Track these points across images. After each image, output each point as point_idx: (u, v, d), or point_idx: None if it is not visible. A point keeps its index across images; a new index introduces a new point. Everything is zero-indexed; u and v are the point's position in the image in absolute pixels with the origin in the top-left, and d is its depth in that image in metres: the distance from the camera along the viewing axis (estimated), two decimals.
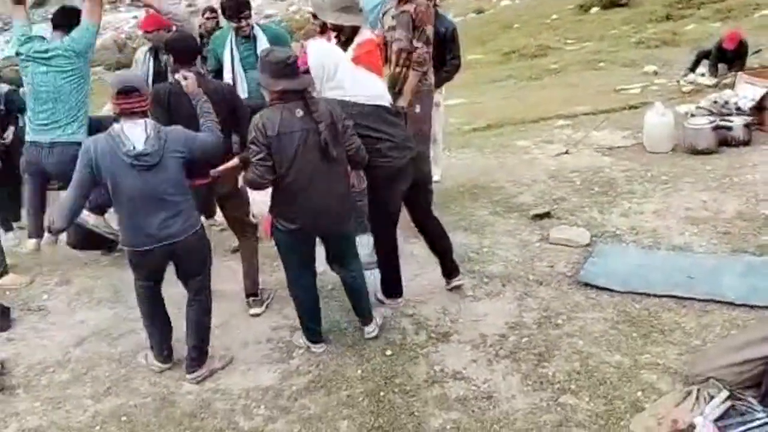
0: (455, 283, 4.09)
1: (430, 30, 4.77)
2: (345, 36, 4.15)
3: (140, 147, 3.14)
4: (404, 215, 3.98)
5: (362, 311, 3.78)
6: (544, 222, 4.95)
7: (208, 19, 6.71)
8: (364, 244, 4.10)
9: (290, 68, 3.25)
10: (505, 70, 12.52)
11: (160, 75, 4.99)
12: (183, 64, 3.77)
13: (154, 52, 5.14)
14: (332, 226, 3.48)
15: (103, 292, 4.50)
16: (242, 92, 4.76)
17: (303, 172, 3.26)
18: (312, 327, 3.67)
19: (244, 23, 4.84)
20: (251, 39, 4.92)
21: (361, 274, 3.76)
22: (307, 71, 3.46)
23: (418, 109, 4.87)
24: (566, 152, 6.52)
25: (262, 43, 4.87)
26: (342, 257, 3.69)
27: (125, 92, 3.16)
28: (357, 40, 4.13)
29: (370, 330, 3.74)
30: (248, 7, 4.88)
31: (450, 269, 4.11)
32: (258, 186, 3.37)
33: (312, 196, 3.30)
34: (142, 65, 5.21)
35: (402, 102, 4.59)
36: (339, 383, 3.36)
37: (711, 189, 5.16)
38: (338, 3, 4.05)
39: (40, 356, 3.86)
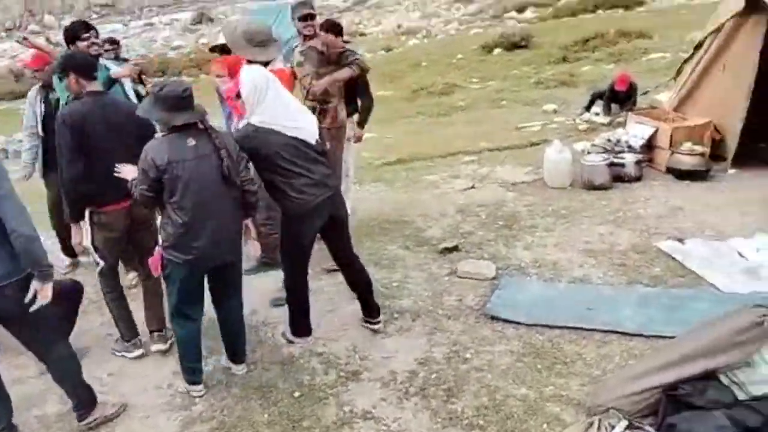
0: (374, 327, 4.05)
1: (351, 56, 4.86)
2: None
3: None
4: (315, 251, 3.93)
5: (238, 351, 3.70)
6: (453, 255, 5.03)
7: (107, 51, 6.52)
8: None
9: (185, 101, 3.20)
10: (414, 107, 12.80)
11: (50, 116, 4.80)
12: (88, 79, 3.66)
13: (45, 91, 5.02)
14: (226, 255, 3.39)
15: None
16: None
17: (198, 200, 3.20)
18: (193, 366, 3.53)
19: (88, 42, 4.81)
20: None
21: (241, 312, 3.69)
22: (238, 94, 3.46)
23: (328, 146, 4.90)
24: (473, 187, 6.69)
25: (111, 67, 5.07)
26: (228, 290, 3.57)
27: None
28: (269, 68, 4.10)
29: (240, 369, 3.69)
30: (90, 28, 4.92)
31: (371, 308, 4.07)
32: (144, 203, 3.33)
33: (207, 225, 3.24)
34: (33, 107, 5.08)
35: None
36: (244, 429, 3.24)
37: (607, 223, 5.42)
38: (254, 38, 4.06)
39: None
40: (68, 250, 5.17)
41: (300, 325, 3.98)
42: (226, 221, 3.33)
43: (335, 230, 3.84)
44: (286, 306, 3.99)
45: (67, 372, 3.25)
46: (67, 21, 45.96)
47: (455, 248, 5.13)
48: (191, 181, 3.17)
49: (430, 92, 14.33)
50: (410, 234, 5.54)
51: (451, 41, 22.01)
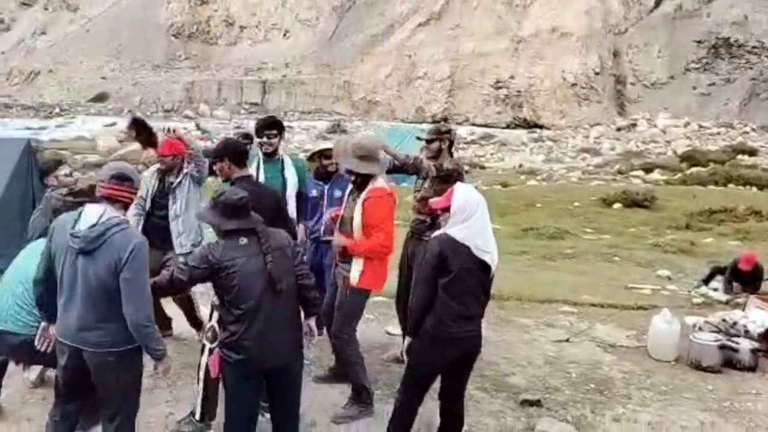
0: None
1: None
2: (359, 180, 4.34)
3: (79, 226, 3.02)
4: None
5: None
6: (533, 410, 4.69)
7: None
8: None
9: (241, 209, 3.32)
10: (520, 246, 12.62)
11: (162, 193, 5.17)
12: (239, 165, 4.04)
13: (162, 174, 5.33)
14: (279, 357, 3.33)
15: None
16: None
17: (249, 297, 3.22)
18: None
19: (266, 140, 5.02)
20: (279, 162, 5.08)
21: (296, 423, 3.56)
22: (447, 208, 3.55)
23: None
24: (567, 340, 6.35)
25: (289, 169, 5.09)
26: (282, 397, 3.47)
27: (120, 178, 3.15)
28: (370, 186, 4.30)
29: None
30: (275, 128, 5.08)
31: None
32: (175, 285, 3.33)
33: (258, 326, 3.22)
34: (147, 183, 5.31)
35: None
36: None
37: (710, 410, 4.90)
38: (358, 152, 4.27)
39: None
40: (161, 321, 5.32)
41: None
42: (282, 321, 3.32)
43: (462, 368, 3.76)
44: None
45: None
46: (219, 112, 50.18)
47: (537, 402, 4.79)
48: (243, 280, 3.22)
49: (539, 234, 14.14)
50: (490, 376, 5.26)
51: (570, 188, 21.93)
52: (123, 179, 3.15)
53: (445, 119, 54.87)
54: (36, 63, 71.40)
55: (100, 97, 62.90)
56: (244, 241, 3.26)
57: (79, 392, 3.23)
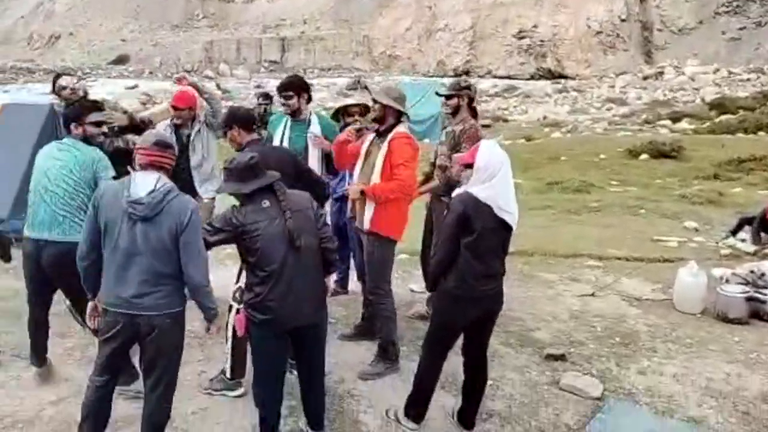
0: None
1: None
2: (385, 125, 4.42)
3: (138, 194, 3.10)
4: None
5: (316, 418, 3.64)
6: (557, 364, 4.74)
7: (260, 104, 6.99)
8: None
9: (254, 168, 3.35)
10: (544, 200, 12.53)
11: (178, 147, 5.16)
12: (247, 131, 4.12)
13: (175, 127, 5.39)
14: (305, 317, 3.39)
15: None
16: None
17: (272, 260, 3.27)
18: (272, 425, 3.49)
19: (283, 101, 5.02)
20: (305, 123, 5.07)
21: (322, 378, 3.64)
22: (469, 164, 3.54)
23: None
24: (592, 294, 6.35)
25: (315, 127, 5.07)
26: (309, 354, 3.55)
27: (163, 145, 3.24)
28: (396, 130, 4.40)
29: None
30: (291, 89, 5.01)
31: (471, 419, 3.88)
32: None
33: (282, 286, 3.29)
34: None
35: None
36: None
37: (736, 362, 4.90)
38: (391, 93, 4.48)
39: (14, 409, 3.74)
40: None
41: (417, 409, 3.84)
42: (306, 282, 3.36)
43: (484, 325, 3.78)
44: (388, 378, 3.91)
45: (160, 413, 3.30)
46: (239, 71, 49.83)
47: (561, 357, 4.83)
48: (266, 242, 3.26)
49: (564, 188, 14.00)
50: (515, 331, 5.30)
51: (596, 140, 21.57)
52: (165, 146, 3.25)
53: (467, 72, 54.05)
54: (56, 26, 71.42)
55: (121, 60, 62.96)
56: (266, 203, 3.30)
57: (123, 361, 3.40)
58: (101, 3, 72.90)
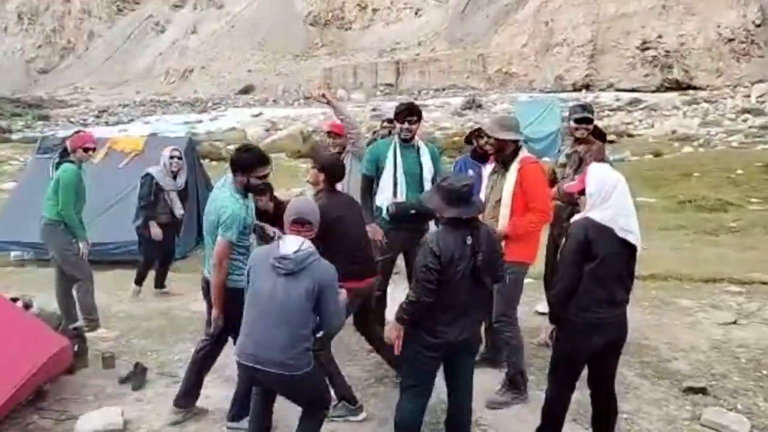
0: None
1: None
2: (507, 154, 4.36)
3: (286, 252, 3.30)
4: None
5: None
6: (698, 398, 4.43)
7: (384, 128, 7.09)
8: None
9: (464, 196, 3.38)
10: (677, 219, 11.81)
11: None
12: (331, 183, 4.18)
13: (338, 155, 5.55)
14: (464, 343, 3.46)
15: (234, 372, 4.57)
16: (401, 195, 4.98)
17: (458, 294, 3.36)
18: None
19: (407, 125, 5.01)
20: (415, 149, 5.11)
21: (470, 403, 3.64)
22: (582, 191, 3.50)
23: None
24: (734, 322, 5.90)
25: (424, 154, 5.10)
26: (458, 381, 3.59)
27: (300, 222, 3.43)
28: (521, 156, 4.34)
29: None
30: (416, 114, 5.06)
31: None
32: (418, 308, 3.38)
33: (461, 313, 3.38)
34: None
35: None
36: None
37: None
38: (502, 123, 4.44)
39: (160, 423, 4.00)
40: None
41: None
42: (475, 311, 3.49)
43: (609, 355, 3.64)
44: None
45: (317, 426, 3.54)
46: (356, 95, 51.06)
47: (702, 390, 4.52)
48: (460, 274, 3.35)
49: (698, 206, 13.16)
50: (651, 362, 5.02)
51: (731, 154, 20.15)
52: (303, 223, 3.43)
53: (587, 86, 52.41)
54: (189, 61, 76.93)
55: (247, 89, 66.62)
56: (469, 240, 3.36)
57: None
58: (229, 38, 77.77)
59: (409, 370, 3.55)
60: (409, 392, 3.55)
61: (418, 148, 5.13)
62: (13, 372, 3.90)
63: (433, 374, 3.53)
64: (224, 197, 3.91)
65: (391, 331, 3.53)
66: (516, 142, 4.36)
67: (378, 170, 5.08)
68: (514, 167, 4.29)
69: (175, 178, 6.99)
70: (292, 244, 3.33)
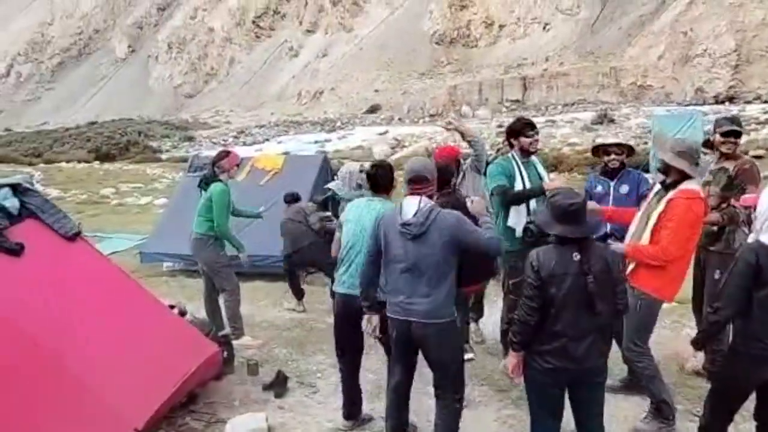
0: None
1: (754, 190, 4.38)
2: (671, 179, 4.05)
3: (408, 217, 3.48)
4: None
5: None
6: None
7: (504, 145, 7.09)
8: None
9: (571, 215, 3.23)
10: None
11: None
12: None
13: None
14: (583, 373, 3.26)
15: (367, 385, 4.66)
16: (533, 204, 4.89)
17: (567, 316, 3.18)
18: None
19: (536, 137, 5.02)
20: (532, 162, 5.07)
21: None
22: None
23: (717, 275, 4.47)
24: None
25: (541, 168, 5.11)
26: (587, 411, 3.39)
27: (416, 181, 3.58)
28: (682, 186, 3.99)
29: None
30: (536, 127, 5.09)
31: None
32: (524, 329, 3.27)
33: (570, 342, 3.18)
34: None
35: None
36: None
37: None
38: (676, 147, 4.05)
39: (304, 429, 4.15)
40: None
41: None
42: (594, 337, 3.23)
43: None
44: None
45: (456, 415, 3.64)
46: (480, 112, 50.80)
47: None
48: (566, 296, 3.17)
49: None
50: None
51: None
52: (419, 181, 3.58)
53: (731, 99, 48.91)
54: (319, 83, 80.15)
55: (373, 109, 68.30)
56: (577, 257, 3.20)
57: (409, 362, 3.73)
58: (357, 59, 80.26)
59: (531, 397, 3.41)
60: (536, 423, 3.43)
61: (533, 162, 5.07)
62: (172, 375, 4.19)
63: (555, 404, 3.35)
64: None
65: (510, 359, 3.43)
66: (683, 172, 3.98)
67: (510, 186, 4.97)
68: (671, 194, 4.01)
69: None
70: (410, 206, 3.49)
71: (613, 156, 5.04)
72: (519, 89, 62.67)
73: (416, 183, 3.55)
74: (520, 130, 5.00)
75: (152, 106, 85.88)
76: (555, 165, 24.70)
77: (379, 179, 4.09)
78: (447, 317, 3.50)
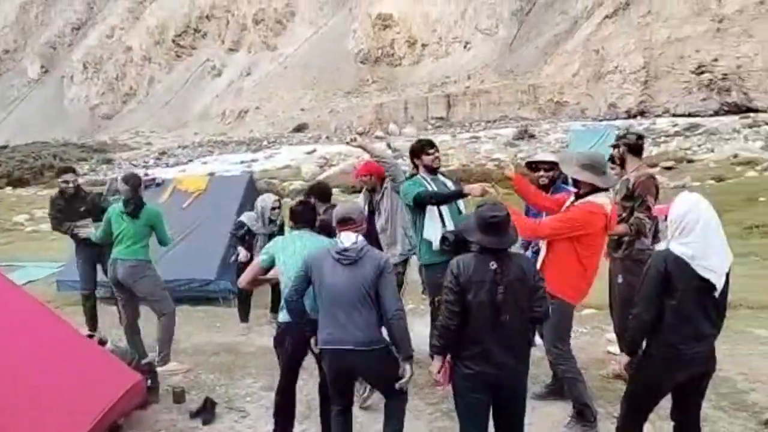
0: None
1: (651, 201, 4.68)
2: (582, 191, 4.24)
3: (345, 246, 3.70)
4: None
5: None
6: None
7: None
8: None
9: (492, 226, 3.36)
10: (745, 246, 11.37)
11: (371, 213, 5.65)
12: (323, 201, 5.41)
13: (369, 195, 5.82)
14: (503, 378, 3.38)
15: (300, 407, 4.61)
16: (449, 225, 4.99)
17: (484, 322, 3.31)
18: None
19: (436, 154, 5.16)
20: (440, 180, 5.21)
21: None
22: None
23: (620, 279, 4.72)
24: None
25: (450, 183, 5.27)
26: (507, 416, 3.51)
27: (343, 222, 3.80)
28: (590, 198, 4.19)
29: None
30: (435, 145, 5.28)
31: None
32: (444, 333, 3.40)
33: (490, 347, 3.31)
34: (361, 204, 5.91)
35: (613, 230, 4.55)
36: None
37: None
38: (582, 161, 4.23)
39: None
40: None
41: None
42: (510, 343, 3.36)
43: (694, 389, 3.54)
44: None
45: (401, 412, 3.81)
46: (407, 129, 51.62)
47: None
48: (483, 303, 3.30)
49: (766, 232, 12.70)
50: (727, 393, 4.84)
51: None
52: (348, 221, 3.82)
53: (642, 113, 51.40)
54: (244, 102, 79.13)
55: (300, 128, 67.92)
56: (494, 265, 3.33)
57: (348, 387, 3.87)
58: (282, 78, 79.83)
59: (457, 401, 3.52)
60: (463, 427, 3.52)
61: (442, 180, 5.22)
62: (91, 407, 4.04)
63: (479, 410, 3.45)
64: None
65: (434, 364, 3.53)
66: (591, 184, 4.20)
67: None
68: (576, 203, 4.23)
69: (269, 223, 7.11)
70: (348, 238, 3.74)
71: (542, 172, 5.23)
72: (443, 107, 63.81)
73: (347, 223, 3.81)
74: (420, 149, 5.19)
75: (68, 128, 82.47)
76: (481, 180, 25.22)
77: (301, 214, 4.37)
78: (383, 343, 3.65)
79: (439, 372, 3.52)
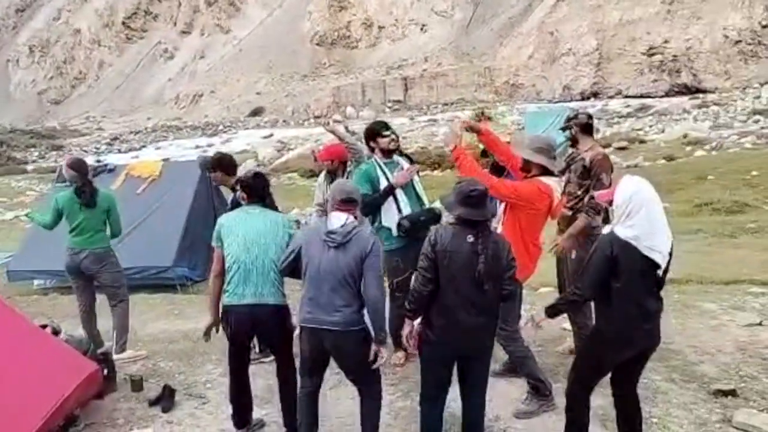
0: None
1: (606, 179, 4.76)
2: (532, 173, 4.35)
3: (333, 227, 3.64)
4: None
5: None
6: (728, 401, 4.40)
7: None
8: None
9: (472, 199, 3.49)
10: (694, 224, 11.73)
11: None
12: (230, 174, 5.17)
13: (330, 177, 5.74)
14: (471, 348, 3.59)
15: (260, 392, 4.61)
16: (405, 209, 5.04)
17: (458, 292, 3.47)
18: None
19: (390, 137, 5.15)
20: (395, 163, 5.21)
21: (482, 412, 3.77)
22: (611, 201, 3.49)
23: (573, 254, 4.80)
24: (760, 323, 5.86)
25: (406, 165, 5.25)
26: (472, 386, 3.71)
27: (347, 202, 3.72)
28: (540, 178, 4.29)
29: None
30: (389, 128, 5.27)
31: None
32: (417, 298, 3.55)
33: (460, 316, 3.48)
34: (321, 188, 5.90)
35: (562, 242, 4.82)
36: None
37: None
38: (533, 144, 4.36)
39: None
40: None
41: None
42: (480, 314, 3.53)
43: (639, 361, 3.63)
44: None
45: (377, 407, 3.83)
46: (365, 113, 51.55)
47: (732, 392, 4.49)
48: (457, 273, 3.46)
49: (714, 209, 13.10)
50: (677, 366, 4.99)
51: (744, 156, 20.06)
52: (350, 202, 3.72)
53: (595, 94, 52.39)
54: (198, 86, 77.69)
55: (257, 112, 67.10)
56: (471, 238, 3.47)
57: (320, 368, 3.85)
58: (237, 61, 78.58)
59: (422, 366, 3.71)
60: (423, 397, 3.71)
61: (397, 162, 5.22)
62: (45, 398, 3.95)
63: (442, 376, 3.66)
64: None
65: (404, 328, 3.70)
66: (543, 167, 4.29)
67: (374, 191, 5.05)
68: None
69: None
70: (338, 219, 3.66)
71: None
72: (401, 89, 63.84)
73: (347, 203, 3.71)
74: (376, 132, 5.17)
75: (14, 113, 79.76)
76: (438, 163, 25.40)
77: (255, 188, 4.19)
78: (362, 324, 3.65)
79: (408, 337, 3.69)
